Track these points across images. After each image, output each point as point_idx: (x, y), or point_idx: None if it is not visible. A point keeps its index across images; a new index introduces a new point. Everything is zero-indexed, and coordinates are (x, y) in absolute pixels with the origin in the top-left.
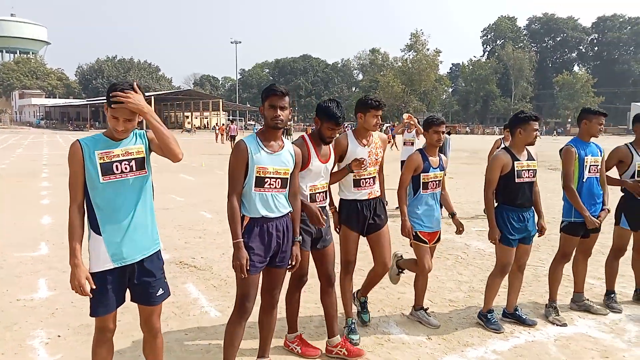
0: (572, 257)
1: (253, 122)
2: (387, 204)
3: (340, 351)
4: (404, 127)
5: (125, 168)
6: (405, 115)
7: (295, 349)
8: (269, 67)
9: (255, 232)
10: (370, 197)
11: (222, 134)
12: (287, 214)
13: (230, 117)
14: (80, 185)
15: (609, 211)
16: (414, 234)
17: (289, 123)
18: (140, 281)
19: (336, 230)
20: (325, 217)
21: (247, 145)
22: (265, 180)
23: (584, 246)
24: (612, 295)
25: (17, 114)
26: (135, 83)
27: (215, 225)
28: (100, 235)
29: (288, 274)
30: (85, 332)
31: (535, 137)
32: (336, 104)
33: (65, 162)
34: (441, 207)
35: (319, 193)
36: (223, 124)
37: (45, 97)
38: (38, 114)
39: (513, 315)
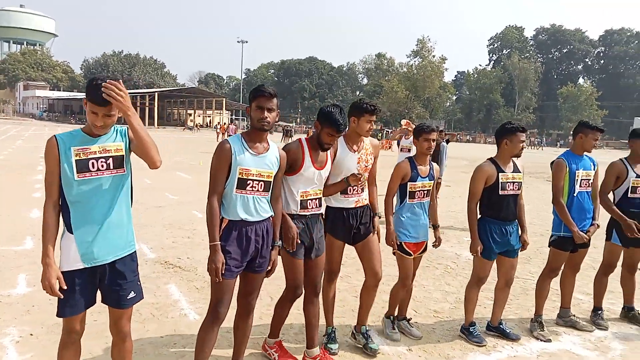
0: (561, 272)
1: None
2: (380, 217)
3: None
4: (402, 133)
5: (102, 166)
6: (403, 122)
7: (273, 355)
8: (274, 68)
9: (233, 235)
10: (358, 206)
11: (222, 133)
12: (268, 218)
13: (232, 117)
14: (56, 182)
15: (598, 226)
16: (398, 243)
17: (290, 125)
18: (111, 283)
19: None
20: (320, 226)
21: (231, 145)
22: (248, 182)
23: (572, 261)
24: (600, 312)
25: (21, 105)
26: (120, 80)
27: (205, 225)
28: (72, 233)
29: (281, 284)
30: (60, 331)
31: (522, 148)
32: (339, 109)
33: None
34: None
35: (312, 200)
36: (224, 123)
37: (50, 90)
38: (41, 106)
39: (497, 329)
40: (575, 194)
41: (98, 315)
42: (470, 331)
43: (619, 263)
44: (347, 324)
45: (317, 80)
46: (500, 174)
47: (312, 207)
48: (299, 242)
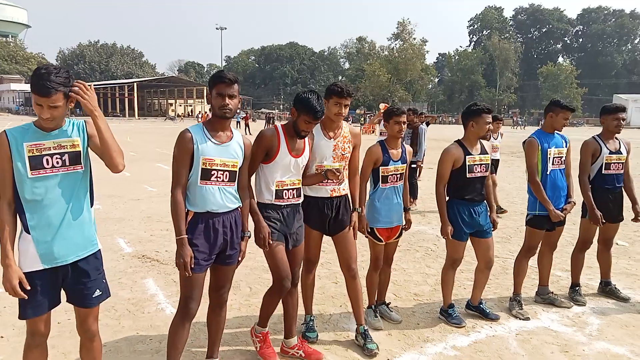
0: (538, 251)
1: (239, 110)
2: (360, 212)
3: (297, 353)
4: (381, 117)
5: (57, 162)
6: (382, 105)
7: (256, 343)
8: (254, 54)
9: (199, 228)
10: (334, 195)
11: None
12: (236, 208)
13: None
14: (9, 181)
15: (574, 204)
16: (369, 230)
17: (273, 112)
18: (75, 282)
19: None
20: (299, 216)
21: (192, 135)
22: (212, 172)
23: (549, 239)
24: (577, 288)
25: None
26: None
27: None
28: (29, 233)
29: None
30: None
31: (488, 130)
32: (317, 96)
33: None
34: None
35: (288, 190)
36: (205, 112)
37: (25, 83)
38: (17, 99)
39: (477, 309)
40: (548, 172)
41: (72, 313)
42: (449, 313)
43: (595, 239)
44: (327, 311)
45: (299, 65)
46: (467, 156)
47: (289, 198)
48: (276, 232)
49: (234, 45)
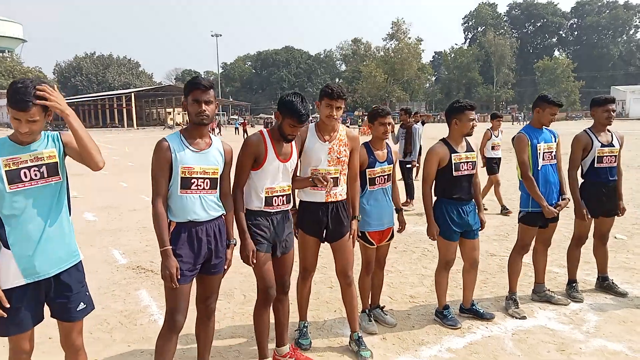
0: (532, 248)
1: (236, 116)
2: (359, 220)
3: None
4: None
5: (35, 175)
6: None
7: None
8: (250, 60)
9: (182, 238)
10: (329, 200)
11: None
12: (220, 217)
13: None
14: None
15: (568, 200)
16: (360, 234)
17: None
18: (58, 296)
19: (295, 235)
20: (289, 223)
21: (169, 143)
22: (192, 181)
23: (543, 236)
24: (574, 284)
25: None
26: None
27: None
28: (9, 249)
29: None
30: None
31: (472, 127)
32: (301, 98)
33: None
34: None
35: (278, 197)
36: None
37: None
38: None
39: (470, 310)
40: (539, 168)
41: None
42: (444, 315)
43: (591, 234)
44: (322, 317)
45: (295, 69)
46: (453, 154)
47: (279, 204)
48: (264, 243)
49: (230, 52)
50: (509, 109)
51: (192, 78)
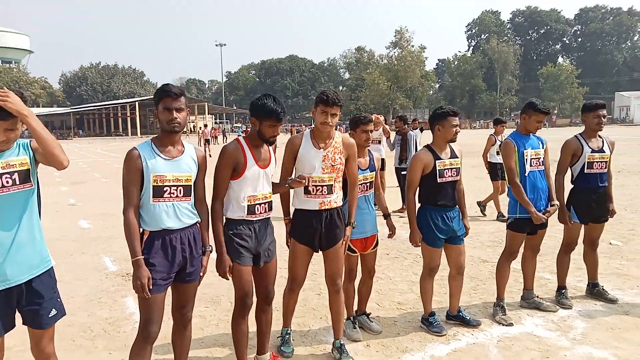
0: (522, 254)
1: (240, 125)
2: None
3: None
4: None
5: (7, 182)
6: (372, 117)
7: None
8: (255, 69)
9: (156, 246)
10: (323, 208)
11: (201, 139)
12: (194, 224)
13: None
14: None
15: (557, 207)
16: None
17: None
18: (29, 303)
19: (287, 245)
20: (270, 230)
21: (139, 152)
22: (165, 189)
23: (531, 243)
24: (563, 291)
25: None
26: (4, 87)
27: None
28: None
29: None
30: None
31: (455, 133)
32: (272, 98)
33: (41, 173)
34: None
35: (260, 204)
36: (200, 128)
37: (29, 107)
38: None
39: (456, 317)
40: (526, 174)
41: None
42: (430, 322)
43: (581, 240)
44: (307, 324)
45: (299, 78)
46: (437, 161)
47: (261, 212)
48: (244, 255)
49: (235, 61)
50: (512, 115)
51: (163, 85)
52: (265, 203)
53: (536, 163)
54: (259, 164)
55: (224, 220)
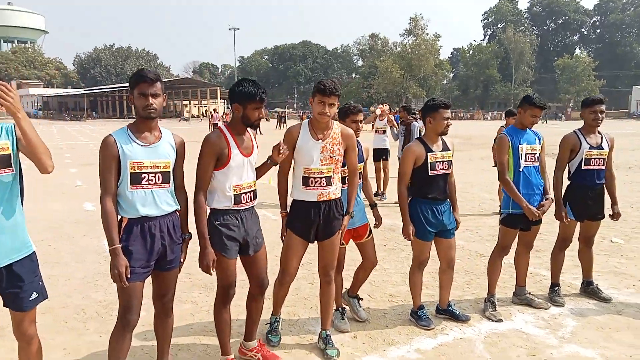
0: (515, 250)
1: None
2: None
3: (255, 356)
4: (374, 119)
5: None
6: (378, 110)
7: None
8: (268, 54)
9: (135, 233)
10: (321, 199)
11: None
12: (174, 212)
13: (224, 106)
14: None
15: (552, 200)
16: None
17: (283, 111)
18: (10, 286)
19: (281, 239)
20: (255, 219)
21: (115, 139)
22: (142, 176)
23: (525, 239)
24: (557, 288)
25: None
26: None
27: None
28: None
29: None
30: None
31: (447, 126)
32: (251, 81)
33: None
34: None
35: (246, 193)
36: (213, 111)
37: (43, 87)
38: (36, 104)
39: (446, 311)
40: (521, 169)
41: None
42: (418, 315)
43: (576, 238)
44: (297, 313)
45: (312, 64)
46: (428, 153)
47: (247, 201)
48: (231, 249)
49: (248, 46)
50: None
51: (138, 70)
52: (250, 192)
53: (531, 158)
54: (243, 153)
55: (209, 211)
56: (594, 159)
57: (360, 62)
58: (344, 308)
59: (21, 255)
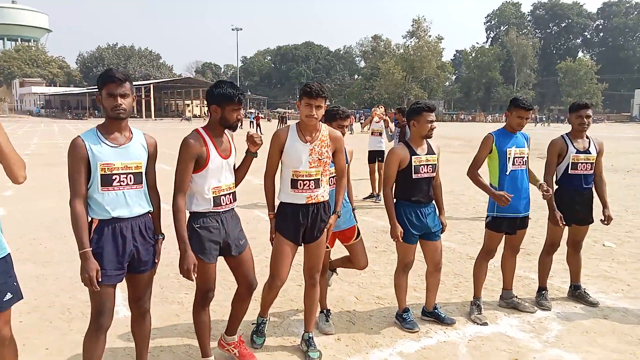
0: (501, 254)
1: (253, 110)
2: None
3: (232, 351)
4: (369, 122)
5: None
6: (379, 111)
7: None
8: (270, 54)
9: (106, 235)
10: (310, 202)
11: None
12: (146, 213)
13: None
14: None
15: (545, 184)
16: None
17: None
18: None
19: (270, 241)
20: (236, 220)
21: (84, 140)
22: (113, 177)
23: (511, 242)
24: (544, 292)
25: (18, 103)
26: None
27: (165, 218)
28: None
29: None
30: None
31: (431, 129)
32: (229, 83)
33: (48, 152)
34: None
35: (225, 195)
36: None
37: (46, 86)
38: (38, 102)
39: (432, 314)
40: (507, 172)
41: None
42: (403, 317)
43: (564, 242)
44: (282, 314)
45: (314, 65)
46: (413, 157)
47: (227, 203)
48: (211, 253)
49: (250, 46)
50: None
51: (106, 70)
52: (230, 194)
53: (519, 162)
54: (221, 155)
55: (188, 215)
56: (581, 163)
57: (362, 64)
58: (329, 310)
59: None
